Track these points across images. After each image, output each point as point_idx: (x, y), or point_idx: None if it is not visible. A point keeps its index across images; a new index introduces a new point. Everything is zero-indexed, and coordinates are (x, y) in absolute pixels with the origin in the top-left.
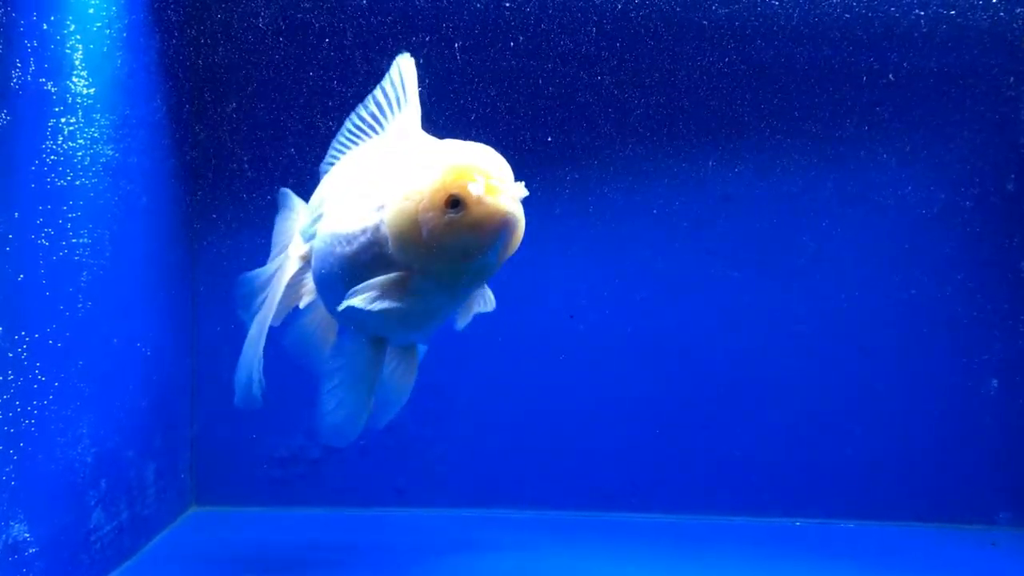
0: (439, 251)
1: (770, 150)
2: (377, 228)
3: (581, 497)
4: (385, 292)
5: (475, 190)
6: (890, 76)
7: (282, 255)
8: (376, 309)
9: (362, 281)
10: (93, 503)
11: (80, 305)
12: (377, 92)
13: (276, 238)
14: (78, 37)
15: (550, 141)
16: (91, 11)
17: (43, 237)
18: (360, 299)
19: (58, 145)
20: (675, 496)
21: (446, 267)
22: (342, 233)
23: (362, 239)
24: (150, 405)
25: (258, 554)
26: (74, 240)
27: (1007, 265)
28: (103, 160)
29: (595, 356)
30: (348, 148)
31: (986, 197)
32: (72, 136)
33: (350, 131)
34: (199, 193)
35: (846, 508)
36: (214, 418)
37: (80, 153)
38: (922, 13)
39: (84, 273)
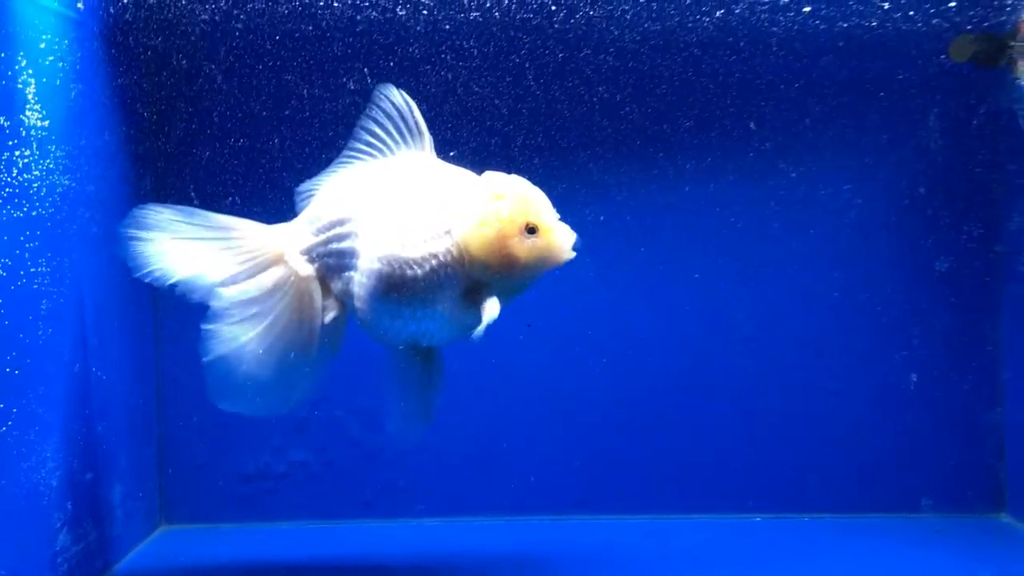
0: (518, 269)
1: (716, 161)
2: (448, 252)
3: (545, 503)
4: (467, 312)
5: (548, 219)
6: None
7: (279, 274)
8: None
9: (431, 300)
10: (59, 525)
11: (40, 333)
12: (371, 122)
13: (196, 256)
14: (30, 72)
15: (501, 149)
16: (42, 46)
17: (0, 268)
18: (485, 323)
19: (13, 178)
20: (637, 498)
21: (516, 282)
22: (409, 257)
23: (433, 262)
24: (115, 428)
25: (228, 571)
26: (32, 269)
27: (925, 265)
28: (59, 190)
29: (551, 365)
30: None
31: (903, 201)
32: (27, 168)
33: (348, 157)
34: None
35: (796, 502)
36: (180, 438)
37: (36, 184)
38: (845, 24)
39: (44, 301)
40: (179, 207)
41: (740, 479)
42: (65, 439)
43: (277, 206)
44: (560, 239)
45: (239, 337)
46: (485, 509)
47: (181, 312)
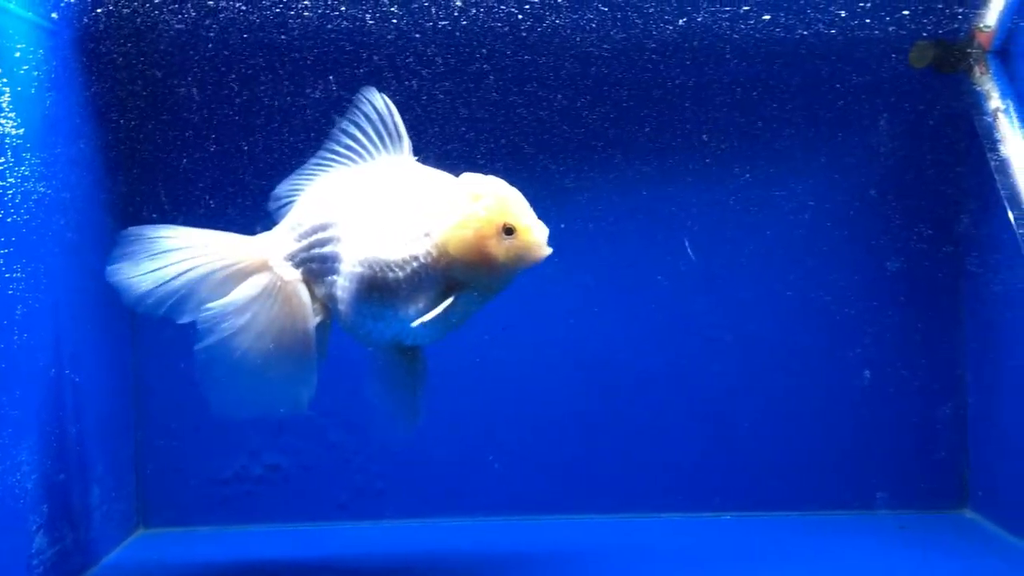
0: (497, 268)
1: (683, 169)
2: (428, 253)
3: (518, 504)
4: (445, 310)
5: (525, 219)
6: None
7: (262, 283)
8: (432, 321)
9: (413, 301)
10: (35, 528)
11: (16, 337)
12: (351, 124)
13: (191, 275)
14: (5, 80)
15: (464, 154)
16: (17, 55)
17: None
18: (430, 316)
19: None
20: (608, 497)
21: (496, 281)
22: (390, 260)
23: (414, 264)
24: (91, 431)
25: (206, 574)
26: (7, 275)
27: (887, 266)
28: (34, 197)
29: (521, 368)
30: (323, 172)
31: (860, 203)
32: (2, 175)
33: (325, 158)
34: (131, 225)
35: (772, 500)
36: (157, 441)
37: (11, 192)
38: (804, 32)
39: (19, 307)
40: (158, 227)
41: (708, 478)
42: (41, 442)
43: (251, 211)
44: (537, 238)
45: (234, 349)
46: (459, 510)
47: (156, 317)
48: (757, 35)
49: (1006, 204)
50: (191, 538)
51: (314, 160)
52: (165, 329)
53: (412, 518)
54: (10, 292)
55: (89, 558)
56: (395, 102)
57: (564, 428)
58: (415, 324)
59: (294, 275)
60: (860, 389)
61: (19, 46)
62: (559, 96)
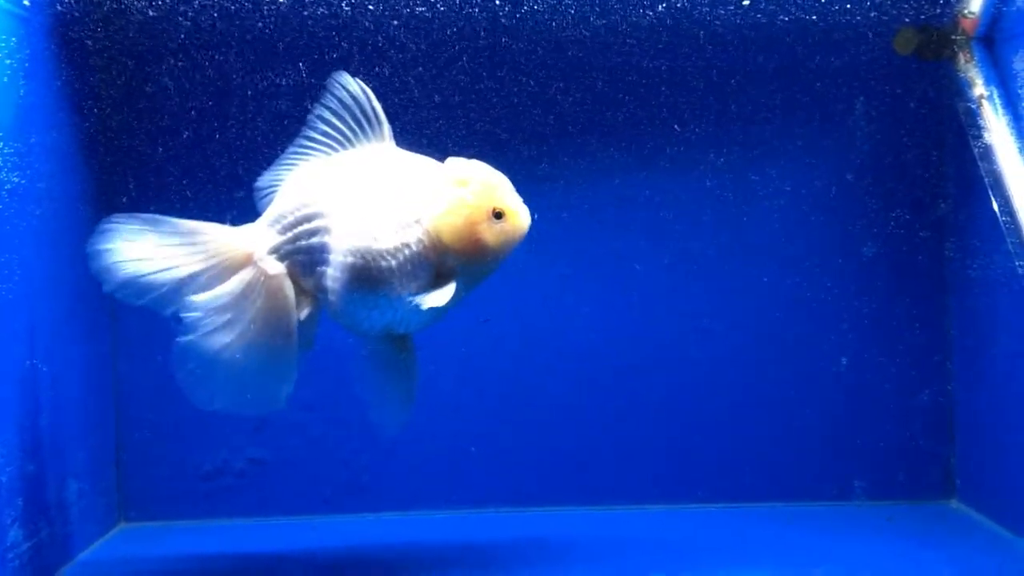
0: (488, 253)
1: (659, 155)
2: (420, 241)
3: (502, 496)
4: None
5: (513, 202)
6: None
7: (248, 275)
8: (435, 305)
9: (406, 288)
10: (10, 521)
11: None
12: (327, 111)
13: (170, 261)
14: None
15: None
16: None
17: None
18: (443, 300)
19: None
20: (592, 489)
21: (486, 265)
22: (382, 248)
23: (406, 252)
24: (69, 425)
25: (186, 567)
26: None
27: (871, 253)
28: (9, 187)
29: (502, 360)
30: (303, 161)
31: (831, 188)
32: None
33: (304, 146)
34: (108, 214)
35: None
36: (138, 435)
37: None
38: (786, 19)
39: None
40: (142, 216)
41: (695, 469)
42: (17, 436)
43: (226, 197)
44: (524, 217)
45: (216, 345)
46: (443, 504)
47: (139, 309)
48: (737, 20)
49: (990, 191)
50: (172, 532)
51: (292, 149)
52: (146, 322)
53: (396, 511)
54: None
55: (67, 552)
56: (371, 88)
57: (548, 420)
58: (425, 306)
59: (278, 269)
60: (847, 379)
61: None
62: (530, 83)
